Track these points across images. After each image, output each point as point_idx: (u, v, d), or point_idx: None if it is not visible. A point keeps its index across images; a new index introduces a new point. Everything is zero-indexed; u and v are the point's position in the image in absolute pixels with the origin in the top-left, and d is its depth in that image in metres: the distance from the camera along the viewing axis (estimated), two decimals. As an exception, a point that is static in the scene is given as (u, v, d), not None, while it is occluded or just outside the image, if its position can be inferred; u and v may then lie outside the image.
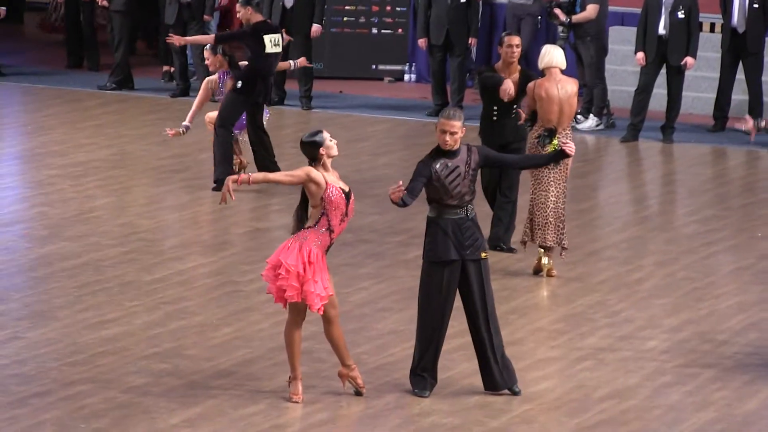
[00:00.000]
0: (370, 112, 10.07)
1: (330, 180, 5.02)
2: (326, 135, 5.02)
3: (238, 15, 8.08)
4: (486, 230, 6.84)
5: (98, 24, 11.15)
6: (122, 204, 7.65)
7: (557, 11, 9.52)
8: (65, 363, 5.34)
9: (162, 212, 7.60)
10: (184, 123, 8.00)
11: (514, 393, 5.23)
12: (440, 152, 5.09)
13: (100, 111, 9.79)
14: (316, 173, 4.99)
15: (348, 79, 10.91)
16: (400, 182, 4.93)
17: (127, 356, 5.44)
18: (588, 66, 9.57)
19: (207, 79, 8.09)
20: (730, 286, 6.60)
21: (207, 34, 9.67)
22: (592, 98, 9.67)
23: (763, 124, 5.86)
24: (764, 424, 5.05)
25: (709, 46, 9.97)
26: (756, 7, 9.52)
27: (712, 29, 10.28)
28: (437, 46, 9.90)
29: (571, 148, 5.13)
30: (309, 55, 10.05)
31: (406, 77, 11.14)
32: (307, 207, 5.07)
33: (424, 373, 5.19)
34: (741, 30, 9.56)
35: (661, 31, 9.28)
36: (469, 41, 9.92)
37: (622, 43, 10.26)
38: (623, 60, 10.24)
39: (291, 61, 8.44)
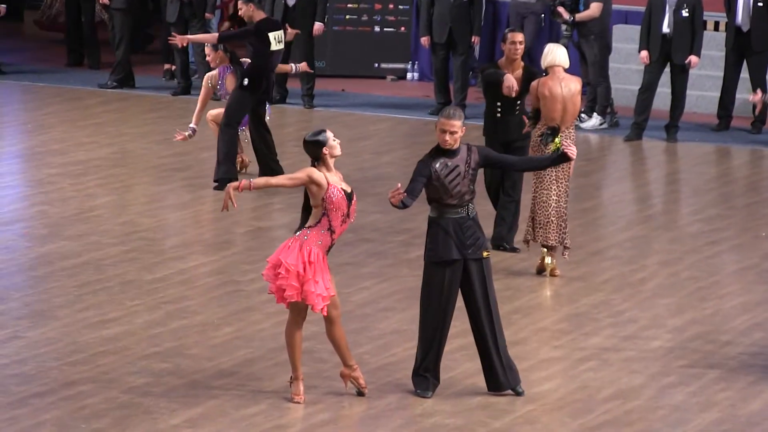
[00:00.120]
0: (373, 110, 10.04)
1: (332, 180, 5.00)
2: (329, 134, 5.00)
3: (240, 12, 8.04)
4: (489, 229, 6.83)
5: (98, 21, 11.11)
6: (123, 203, 7.62)
7: (561, 9, 9.49)
8: (65, 363, 5.33)
9: (163, 211, 7.58)
10: (190, 125, 7.97)
11: (518, 393, 5.21)
12: (440, 151, 5.07)
13: (101, 109, 9.77)
14: (317, 174, 4.97)
15: (350, 77, 10.87)
16: (399, 185, 4.92)
17: (127, 356, 5.42)
18: (592, 64, 9.53)
19: (207, 75, 8.06)
20: (735, 285, 6.58)
21: (208, 32, 9.65)
22: (596, 97, 9.64)
23: None
24: (769, 425, 5.04)
25: (714, 45, 9.93)
26: (760, 6, 9.48)
27: (716, 28, 10.24)
28: (440, 44, 9.86)
29: (572, 151, 5.11)
30: (311, 53, 10.02)
31: (409, 75, 11.11)
32: (309, 206, 5.05)
33: (426, 374, 5.17)
34: (745, 28, 9.53)
35: (665, 29, 9.25)
36: (472, 39, 9.89)
37: (625, 41, 10.22)
38: (627, 58, 10.20)
39: (293, 65, 8.40)
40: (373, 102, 10.27)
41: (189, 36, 8.23)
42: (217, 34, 7.96)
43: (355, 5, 11.01)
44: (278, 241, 5.23)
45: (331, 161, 5.02)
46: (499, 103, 6.78)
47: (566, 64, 6.62)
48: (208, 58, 8.07)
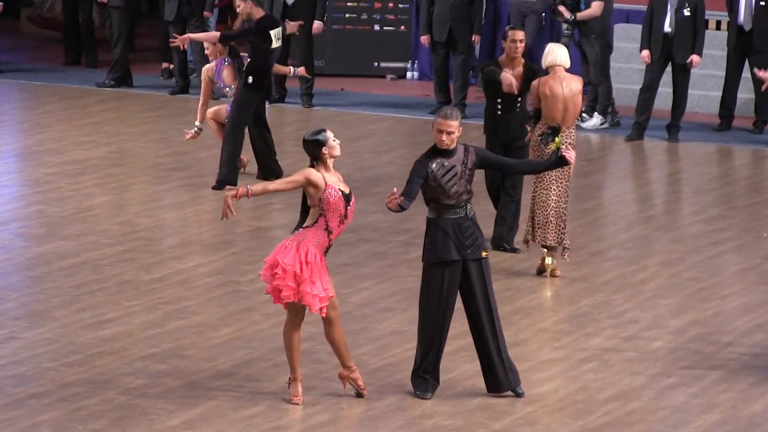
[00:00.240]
0: (372, 109, 10.00)
1: (330, 181, 4.97)
2: (329, 134, 4.97)
3: (237, 10, 8.00)
4: (488, 229, 6.79)
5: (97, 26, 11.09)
6: (121, 202, 7.59)
7: (561, 8, 9.46)
8: (63, 363, 5.30)
9: (161, 211, 7.55)
10: (196, 124, 7.93)
11: (518, 395, 5.19)
12: (437, 151, 5.05)
13: (99, 108, 9.73)
14: (315, 175, 4.94)
15: (350, 76, 10.84)
16: (395, 189, 4.90)
17: (125, 357, 5.40)
18: (593, 64, 9.51)
19: (204, 68, 8.00)
20: (736, 286, 6.56)
21: (207, 30, 9.60)
22: (597, 96, 9.62)
23: None
24: (771, 427, 5.01)
25: (715, 44, 9.89)
26: (762, 5, 9.45)
27: (718, 27, 10.21)
28: (440, 43, 9.83)
29: (570, 155, 5.10)
30: (310, 52, 9.98)
31: (409, 75, 11.07)
32: (307, 206, 5.03)
33: (426, 375, 5.15)
34: (747, 28, 9.49)
35: (667, 28, 9.22)
36: (473, 38, 9.86)
37: (627, 40, 10.19)
38: (628, 58, 10.17)
39: (291, 68, 8.34)
40: (373, 101, 10.24)
41: (190, 35, 8.18)
42: (218, 33, 7.91)
43: (355, 4, 10.97)
44: (277, 241, 5.16)
45: (330, 161, 4.99)
46: (499, 101, 6.76)
47: (567, 63, 6.60)
48: (206, 51, 8.03)
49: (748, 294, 6.43)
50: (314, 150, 4.99)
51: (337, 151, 4.99)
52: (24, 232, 6.98)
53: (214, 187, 7.82)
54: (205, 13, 10.19)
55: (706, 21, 9.53)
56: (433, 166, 5.02)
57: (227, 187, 7.61)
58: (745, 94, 9.74)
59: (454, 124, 5.01)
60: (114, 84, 10.28)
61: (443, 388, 5.17)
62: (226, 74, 7.88)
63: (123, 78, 10.31)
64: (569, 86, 6.52)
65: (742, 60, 9.56)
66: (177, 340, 5.59)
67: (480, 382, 5.19)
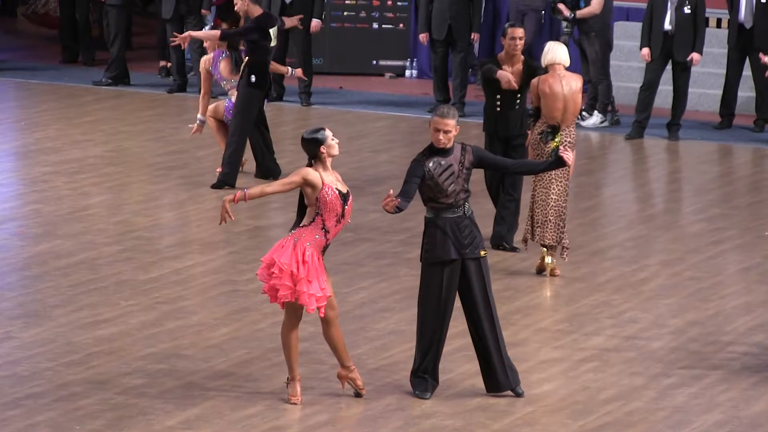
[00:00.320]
0: (371, 108, 9.97)
1: (327, 180, 4.95)
2: (328, 133, 4.95)
3: (236, 7, 7.97)
4: (488, 228, 6.76)
5: (93, 19, 11.05)
6: (118, 201, 7.57)
7: (561, 6, 9.43)
8: (60, 363, 5.28)
9: (159, 210, 7.53)
10: (199, 117, 7.89)
11: (517, 395, 5.17)
12: (433, 151, 5.03)
13: (96, 107, 9.70)
14: (313, 175, 4.92)
15: (348, 74, 10.81)
16: (391, 191, 4.87)
17: (123, 356, 5.37)
18: (592, 62, 9.48)
19: (202, 59, 7.97)
20: (737, 286, 6.54)
21: (204, 28, 9.55)
22: (597, 95, 9.59)
23: None
24: (772, 427, 4.99)
25: (716, 42, 9.86)
26: (763, 3, 9.42)
27: (718, 25, 10.18)
28: (439, 41, 9.79)
29: (569, 156, 5.08)
30: (309, 50, 9.95)
31: (408, 73, 11.04)
32: (304, 205, 5.01)
33: (425, 375, 5.13)
34: (748, 26, 9.46)
35: (667, 26, 9.19)
36: (472, 36, 9.83)
37: (627, 38, 10.17)
38: (628, 56, 10.14)
39: (289, 68, 8.29)
40: (372, 99, 10.20)
41: (191, 33, 8.13)
42: (219, 32, 7.87)
43: (353, 2, 10.94)
44: (276, 241, 5.13)
45: (328, 160, 4.97)
46: (498, 97, 6.74)
47: (567, 62, 6.57)
48: (205, 44, 8.01)
49: (748, 293, 6.41)
50: (312, 148, 4.97)
51: (336, 150, 4.97)
52: (21, 232, 6.95)
53: (213, 186, 7.79)
54: (203, 11, 10.17)
55: (707, 19, 9.49)
56: (430, 165, 5.01)
57: (225, 188, 7.60)
58: (746, 92, 9.71)
59: (451, 123, 4.99)
60: (111, 82, 10.24)
61: (442, 388, 5.15)
62: (223, 67, 7.84)
63: (120, 76, 10.28)
64: (569, 85, 6.50)
65: (742, 58, 9.53)
66: (175, 340, 5.57)
67: (479, 382, 5.17)
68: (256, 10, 7.81)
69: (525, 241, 6.61)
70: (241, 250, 6.82)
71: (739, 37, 9.47)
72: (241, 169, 8.06)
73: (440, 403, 5.05)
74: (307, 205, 4.97)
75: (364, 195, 7.41)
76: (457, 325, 5.27)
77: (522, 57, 6.75)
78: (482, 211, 6.82)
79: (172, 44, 8.39)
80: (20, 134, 8.96)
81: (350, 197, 5.01)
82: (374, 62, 10.96)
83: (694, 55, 9.22)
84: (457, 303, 5.11)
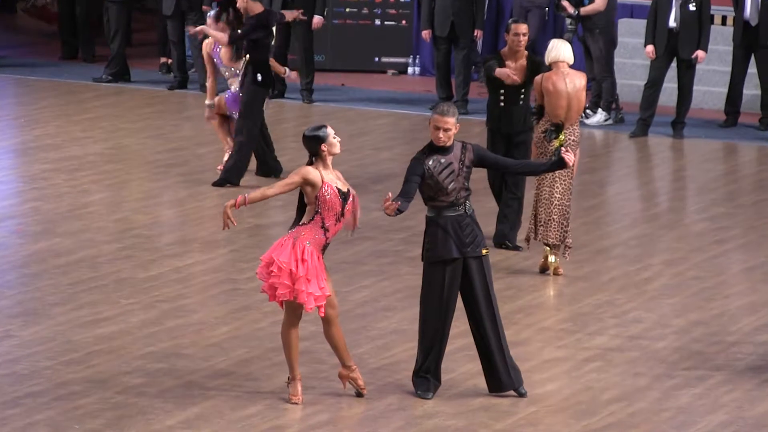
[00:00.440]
0: (373, 105, 9.93)
1: (327, 179, 4.93)
2: (330, 131, 4.93)
3: (237, 4, 7.92)
4: (490, 227, 6.71)
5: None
6: (118, 199, 7.54)
7: (565, 3, 9.39)
8: (59, 362, 5.26)
9: (159, 208, 7.50)
10: (207, 102, 7.84)
11: (520, 394, 5.14)
12: (433, 149, 5.00)
13: (96, 104, 9.66)
14: (313, 174, 4.89)
15: (350, 71, 10.77)
16: (389, 194, 4.83)
17: (122, 355, 5.35)
18: (597, 59, 9.44)
19: (204, 43, 7.94)
20: (741, 285, 6.51)
21: (206, 24, 9.49)
22: (601, 92, 9.55)
23: None
24: (777, 428, 4.95)
25: (721, 40, 9.82)
26: (769, 0, 9.41)
27: (723, 22, 10.13)
28: (442, 37, 9.75)
29: (570, 157, 5.04)
30: (310, 46, 9.90)
31: (410, 70, 10.99)
32: (304, 204, 4.98)
33: (427, 375, 5.10)
34: (753, 23, 9.41)
35: (672, 23, 9.14)
36: (475, 33, 9.78)
37: (631, 35, 10.11)
38: (633, 53, 10.10)
39: (287, 69, 8.24)
40: (374, 97, 10.16)
41: (205, 28, 7.96)
42: (227, 36, 7.75)
43: (355, -2, 10.94)
44: (276, 239, 5.09)
45: (329, 159, 4.94)
46: (502, 92, 6.71)
47: (571, 60, 6.54)
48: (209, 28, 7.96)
49: (753, 293, 6.38)
50: (313, 146, 4.94)
51: (337, 149, 4.94)
52: (20, 229, 6.93)
53: (214, 184, 7.74)
54: (204, 7, 10.13)
55: (712, 16, 9.44)
56: (430, 163, 4.98)
57: (227, 186, 7.55)
58: (751, 90, 9.66)
59: (450, 121, 4.96)
60: (111, 79, 10.20)
61: (445, 388, 5.13)
62: (224, 53, 7.79)
63: (120, 73, 10.23)
64: (573, 82, 6.46)
65: (748, 56, 9.48)
66: (175, 339, 5.54)
67: (482, 382, 5.14)
68: (257, 8, 7.77)
69: (528, 240, 6.58)
70: (242, 248, 6.79)
71: (744, 35, 9.41)
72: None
73: (442, 403, 5.03)
74: (306, 203, 4.94)
75: (365, 193, 7.37)
76: (460, 324, 5.24)
77: (525, 52, 6.70)
78: (484, 209, 6.78)
79: (190, 32, 8.29)
80: (19, 131, 8.93)
81: (351, 196, 4.98)
82: (376, 59, 10.92)
83: (699, 53, 9.18)
84: (460, 302, 5.08)
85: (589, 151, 8.78)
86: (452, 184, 4.96)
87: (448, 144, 4.97)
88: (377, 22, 10.92)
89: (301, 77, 9.94)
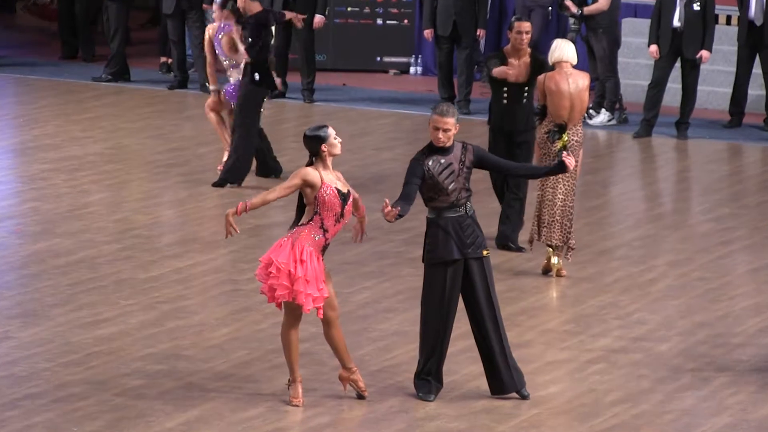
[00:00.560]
0: (375, 105, 9.90)
1: (327, 179, 4.90)
2: (331, 131, 4.91)
3: (237, 4, 7.88)
4: (492, 228, 6.67)
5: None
6: (118, 199, 7.52)
7: (568, 3, 9.35)
8: (58, 364, 5.23)
9: (159, 208, 7.48)
10: (211, 88, 7.78)
11: (523, 397, 5.11)
12: (433, 149, 4.97)
13: (95, 103, 9.64)
14: (312, 175, 4.87)
15: (352, 71, 10.74)
16: (386, 200, 4.80)
17: (122, 357, 5.33)
18: (600, 59, 9.40)
19: (208, 26, 7.88)
20: (746, 287, 6.48)
21: (206, 23, 9.45)
22: (604, 92, 9.51)
23: None
24: (783, 431, 4.91)
25: (726, 39, 9.77)
26: (774, -1, 9.35)
27: (728, 22, 10.09)
28: (444, 37, 9.71)
29: (570, 161, 5.02)
30: (311, 46, 9.86)
31: (412, 69, 10.96)
32: (303, 204, 4.96)
33: (428, 377, 5.07)
34: (758, 23, 9.37)
35: (676, 23, 9.11)
36: (478, 32, 9.74)
37: (635, 35, 10.08)
38: (636, 53, 10.06)
39: (279, 80, 8.18)
40: (375, 97, 10.13)
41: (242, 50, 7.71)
42: (245, 51, 7.58)
43: (357, -3, 10.90)
44: (277, 240, 5.06)
45: (329, 159, 4.92)
46: (505, 90, 6.68)
47: (574, 60, 6.51)
48: (213, 15, 7.88)
49: (758, 294, 6.35)
50: (314, 146, 4.92)
51: (338, 150, 4.91)
52: (19, 230, 6.90)
53: (214, 184, 7.71)
54: (204, 6, 10.09)
55: (716, 16, 9.41)
56: (430, 163, 4.95)
57: (227, 186, 7.51)
58: (756, 90, 9.63)
59: (450, 121, 4.93)
60: (111, 78, 10.16)
61: (446, 390, 5.10)
62: (225, 42, 7.75)
63: (120, 72, 10.20)
64: (576, 83, 6.43)
65: (752, 56, 9.44)
66: (175, 340, 5.51)
67: (484, 384, 5.11)
68: (255, 7, 7.73)
69: (531, 241, 6.54)
70: (242, 249, 6.76)
71: (749, 35, 9.37)
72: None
73: (444, 405, 5.00)
74: (306, 204, 4.92)
75: (367, 193, 7.33)
76: (462, 326, 5.21)
77: (529, 50, 6.68)
78: (486, 210, 6.75)
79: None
80: (19, 131, 8.90)
81: (350, 196, 4.94)
82: (378, 59, 10.89)
83: (704, 53, 9.13)
84: (461, 304, 5.05)
85: (592, 151, 8.74)
86: (452, 184, 4.94)
87: (448, 144, 4.95)
88: (379, 21, 10.88)
89: (302, 77, 9.90)
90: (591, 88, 6.92)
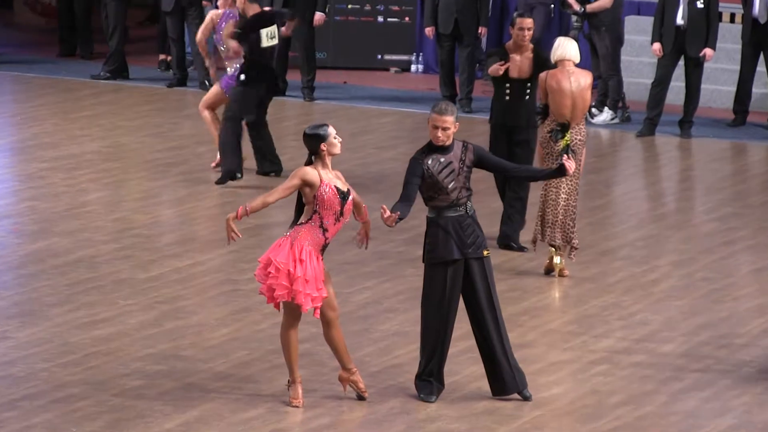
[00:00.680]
0: (376, 103, 9.86)
1: (326, 178, 4.88)
2: (331, 130, 4.89)
3: (236, 5, 7.83)
4: (494, 228, 6.64)
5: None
6: (116, 198, 7.48)
7: (571, 0, 9.28)
8: (56, 364, 5.21)
9: (158, 207, 7.44)
10: (212, 70, 7.79)
11: (525, 398, 5.07)
12: (432, 148, 4.94)
13: (94, 101, 9.60)
14: (311, 174, 4.84)
15: (352, 69, 10.69)
16: (384, 206, 4.76)
17: (120, 357, 5.30)
18: (603, 57, 9.36)
19: (211, 12, 7.86)
20: (750, 287, 6.44)
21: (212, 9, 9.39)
22: (607, 91, 9.47)
23: None
24: (787, 433, 4.87)
25: (729, 37, 9.74)
26: (778, -3, 9.30)
27: (732, 19, 10.05)
28: (445, 35, 9.66)
29: (570, 165, 4.98)
30: (312, 44, 9.82)
31: (413, 67, 10.92)
32: (302, 203, 4.94)
33: (430, 378, 5.04)
34: (762, 20, 9.33)
35: (679, 21, 9.07)
36: (479, 30, 9.70)
37: (638, 33, 10.04)
38: (639, 51, 10.02)
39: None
40: (376, 95, 10.09)
41: (233, 44, 7.71)
42: (233, 35, 7.58)
43: (358, -6, 10.86)
44: (277, 239, 5.03)
45: (328, 159, 4.89)
46: (508, 86, 6.64)
47: (577, 58, 6.47)
48: (219, 3, 7.85)
49: (762, 295, 6.31)
50: (313, 145, 4.89)
51: (337, 149, 4.89)
52: (16, 229, 6.87)
53: (217, 182, 7.67)
54: (204, 2, 10.05)
55: (720, 13, 9.35)
56: (429, 162, 4.92)
57: (229, 181, 7.46)
58: (760, 88, 9.59)
59: (449, 120, 4.90)
60: (110, 76, 10.12)
61: (448, 391, 5.07)
62: (226, 30, 7.71)
63: (119, 70, 10.15)
64: (578, 81, 6.39)
65: (756, 54, 9.40)
66: (174, 341, 5.49)
67: (486, 385, 5.08)
68: (252, 9, 7.68)
69: (534, 242, 6.50)
70: (242, 249, 6.71)
71: (753, 33, 9.33)
72: (243, 161, 7.95)
73: (445, 407, 4.97)
74: (305, 203, 4.90)
75: (368, 193, 7.31)
76: (463, 326, 5.18)
77: (531, 46, 6.64)
78: (487, 209, 6.71)
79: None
80: (16, 129, 8.87)
81: (350, 195, 4.91)
82: (379, 57, 10.85)
83: (707, 51, 9.09)
84: (462, 304, 5.01)
85: (595, 150, 8.71)
86: (452, 183, 4.91)
87: (447, 143, 4.92)
88: (380, 19, 10.83)
89: (303, 75, 9.85)
90: (594, 86, 6.91)
